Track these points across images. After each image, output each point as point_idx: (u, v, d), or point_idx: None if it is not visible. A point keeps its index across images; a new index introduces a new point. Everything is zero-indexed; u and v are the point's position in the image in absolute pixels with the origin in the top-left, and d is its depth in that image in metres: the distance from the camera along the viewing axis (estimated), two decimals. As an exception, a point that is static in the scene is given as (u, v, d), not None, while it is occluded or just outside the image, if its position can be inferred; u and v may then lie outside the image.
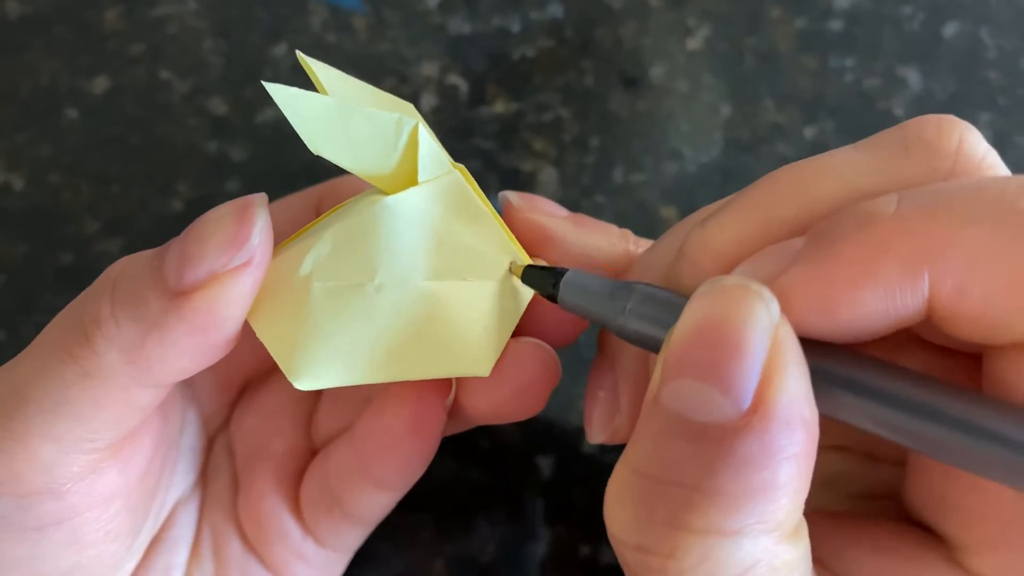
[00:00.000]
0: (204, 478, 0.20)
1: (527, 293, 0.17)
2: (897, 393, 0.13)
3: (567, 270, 0.16)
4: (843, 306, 0.12)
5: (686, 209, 0.29)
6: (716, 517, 0.11)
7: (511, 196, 0.19)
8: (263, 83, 0.14)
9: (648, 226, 0.28)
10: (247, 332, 0.16)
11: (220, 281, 0.14)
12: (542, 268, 0.17)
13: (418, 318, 0.16)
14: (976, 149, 0.14)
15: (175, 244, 0.15)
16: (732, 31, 0.31)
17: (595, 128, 0.30)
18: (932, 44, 0.31)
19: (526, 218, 0.18)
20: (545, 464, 0.25)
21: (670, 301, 0.15)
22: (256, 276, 0.14)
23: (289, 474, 0.19)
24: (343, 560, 0.21)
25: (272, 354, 0.15)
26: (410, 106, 0.18)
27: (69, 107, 0.30)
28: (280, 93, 0.14)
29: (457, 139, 0.30)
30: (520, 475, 0.25)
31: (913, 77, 0.31)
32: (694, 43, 0.31)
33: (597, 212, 0.29)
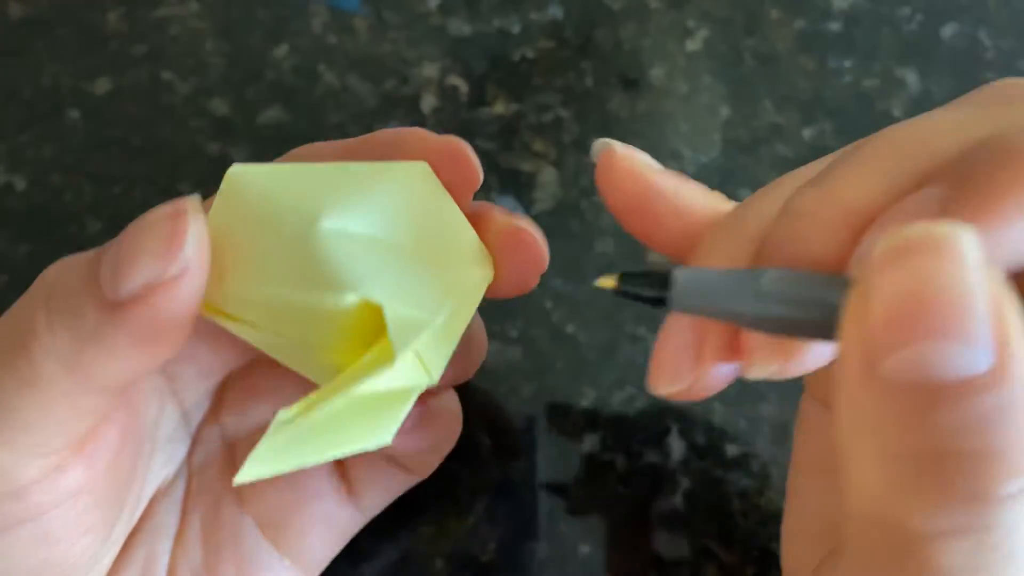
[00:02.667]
0: (189, 468, 0.20)
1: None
2: None
3: (669, 270, 0.15)
4: (1019, 234, 0.12)
5: (685, 210, 0.29)
6: (1011, 477, 0.11)
7: (613, 143, 0.18)
8: (238, 479, 0.13)
9: (648, 226, 0.28)
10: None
11: (156, 292, 0.14)
12: (640, 274, 0.15)
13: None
14: None
15: (110, 251, 0.14)
16: (731, 32, 0.32)
17: (595, 129, 0.30)
18: (930, 45, 0.31)
19: (627, 167, 0.17)
20: (545, 464, 0.25)
21: (814, 279, 0.13)
22: (194, 285, 0.14)
23: None
24: (362, 522, 0.21)
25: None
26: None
27: (71, 108, 0.30)
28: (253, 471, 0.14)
29: (457, 140, 0.30)
30: (520, 475, 0.25)
31: (911, 78, 0.31)
32: (693, 44, 0.32)
33: (597, 212, 0.29)
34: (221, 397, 0.21)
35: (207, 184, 0.29)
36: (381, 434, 0.15)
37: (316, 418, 0.15)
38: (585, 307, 0.27)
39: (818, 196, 0.14)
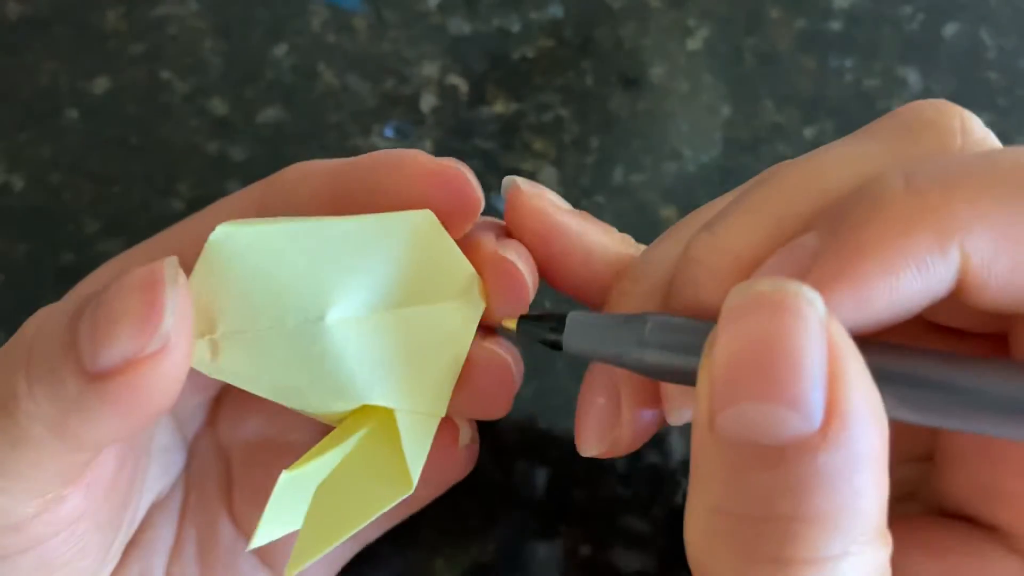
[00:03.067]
0: (187, 480, 0.20)
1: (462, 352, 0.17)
2: (936, 375, 0.12)
3: (566, 313, 0.15)
4: (879, 293, 0.12)
5: (686, 209, 0.29)
6: (822, 542, 0.11)
7: (519, 181, 0.18)
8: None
9: (648, 226, 0.28)
10: None
11: (136, 368, 0.13)
12: (538, 316, 0.16)
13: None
14: (977, 128, 0.14)
15: (87, 317, 0.14)
16: (732, 31, 0.32)
17: (595, 128, 0.30)
18: (932, 44, 0.31)
19: (533, 206, 0.18)
20: (545, 464, 0.25)
21: (692, 327, 0.14)
22: (176, 359, 0.13)
23: None
24: (355, 548, 0.21)
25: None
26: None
27: (69, 107, 0.30)
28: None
29: (457, 139, 0.30)
30: (520, 475, 0.25)
31: (913, 77, 0.31)
32: (694, 43, 0.31)
33: (597, 212, 0.29)
34: (217, 407, 0.20)
35: (206, 184, 0.29)
36: (402, 485, 0.15)
37: (321, 474, 0.15)
38: (586, 307, 0.27)
39: (709, 243, 0.14)
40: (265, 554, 0.19)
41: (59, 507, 0.15)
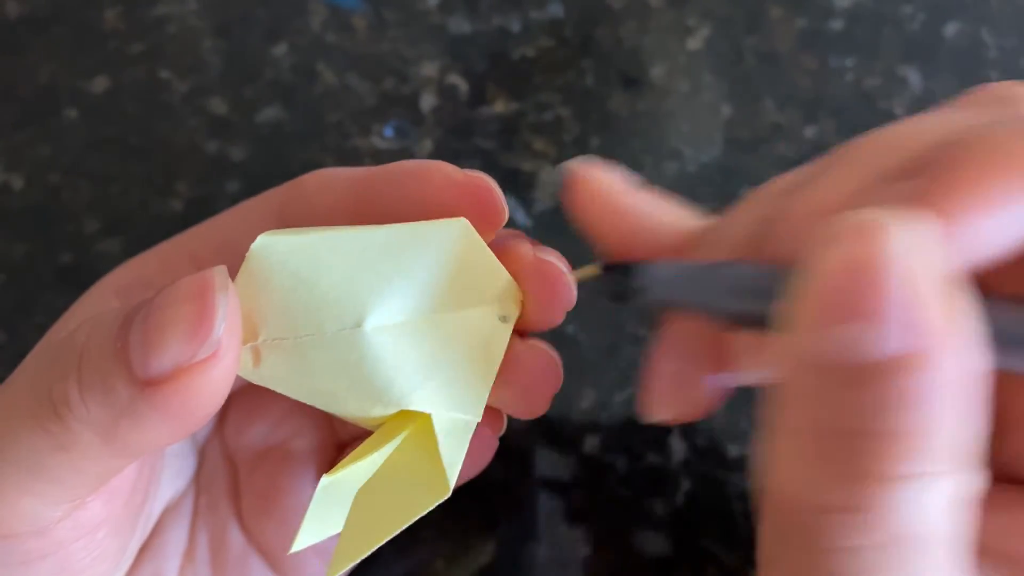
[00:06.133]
0: (197, 484, 0.20)
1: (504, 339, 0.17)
2: None
3: (642, 264, 0.15)
4: (981, 231, 0.12)
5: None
6: (906, 460, 0.11)
7: (575, 167, 0.18)
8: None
9: (648, 226, 0.28)
10: None
11: (187, 375, 0.13)
12: (615, 266, 0.16)
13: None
14: None
15: (137, 325, 0.14)
16: (732, 31, 0.31)
17: (595, 128, 0.30)
18: (933, 44, 0.31)
19: (597, 188, 0.17)
20: (545, 464, 0.25)
21: (781, 273, 0.13)
22: (226, 365, 0.14)
23: (319, 470, 0.19)
24: None
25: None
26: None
27: (69, 107, 0.30)
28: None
29: (457, 139, 0.30)
30: (520, 475, 0.25)
31: (914, 77, 0.31)
32: (694, 43, 0.31)
33: (597, 212, 0.29)
34: (224, 412, 0.20)
35: (205, 183, 0.29)
36: (439, 489, 0.16)
37: (360, 478, 0.15)
38: (586, 308, 0.27)
39: (805, 197, 0.14)
40: (275, 560, 0.19)
41: (82, 513, 0.15)
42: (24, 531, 0.15)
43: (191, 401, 0.13)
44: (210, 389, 0.13)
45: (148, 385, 0.13)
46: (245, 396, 0.20)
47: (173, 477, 0.19)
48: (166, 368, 0.13)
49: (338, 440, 0.20)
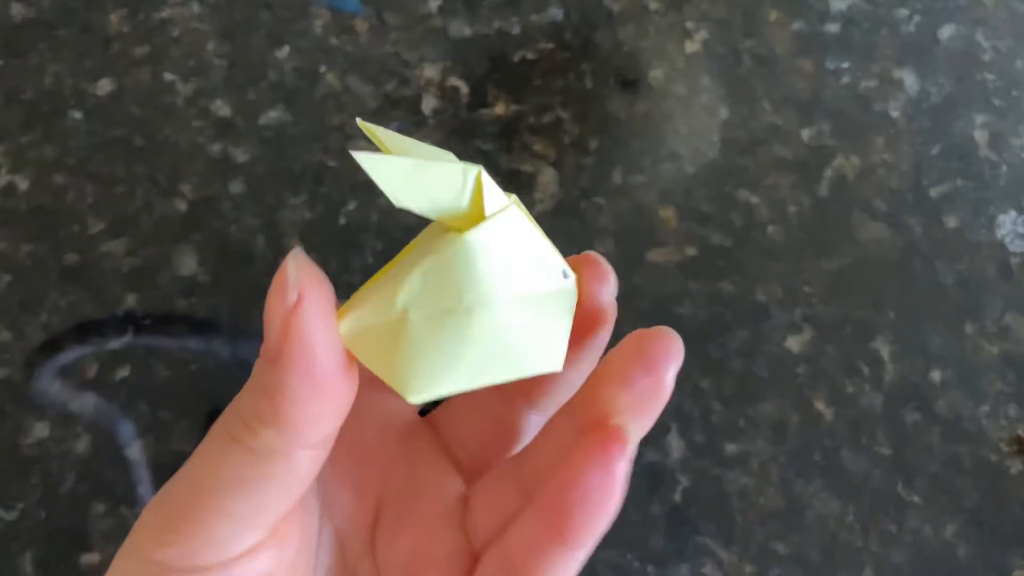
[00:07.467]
0: None
1: (574, 292, 0.18)
2: None
3: None
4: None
5: (684, 209, 0.29)
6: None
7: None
8: (353, 152, 0.15)
9: (647, 226, 0.29)
10: (366, 447, 0.18)
11: (290, 323, 0.16)
12: None
13: (500, 329, 0.18)
14: None
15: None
16: (730, 34, 0.32)
17: (594, 130, 0.30)
18: (928, 46, 0.32)
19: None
20: (545, 462, 0.26)
21: None
22: (315, 300, 0.16)
23: (457, 573, 0.20)
24: None
25: (383, 379, 0.17)
26: (449, 154, 0.19)
27: (73, 109, 0.31)
28: (366, 161, 0.15)
29: (458, 141, 0.30)
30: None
31: (909, 79, 0.31)
32: (692, 46, 0.32)
33: (596, 212, 0.29)
34: (374, 533, 0.21)
35: (209, 184, 0.29)
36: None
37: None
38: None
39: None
40: None
41: (257, 558, 0.17)
42: (212, 563, 0.16)
43: (303, 344, 0.16)
44: (312, 326, 0.16)
45: (276, 352, 0.16)
46: (387, 514, 0.21)
47: None
48: (278, 329, 0.16)
49: (471, 548, 0.20)
